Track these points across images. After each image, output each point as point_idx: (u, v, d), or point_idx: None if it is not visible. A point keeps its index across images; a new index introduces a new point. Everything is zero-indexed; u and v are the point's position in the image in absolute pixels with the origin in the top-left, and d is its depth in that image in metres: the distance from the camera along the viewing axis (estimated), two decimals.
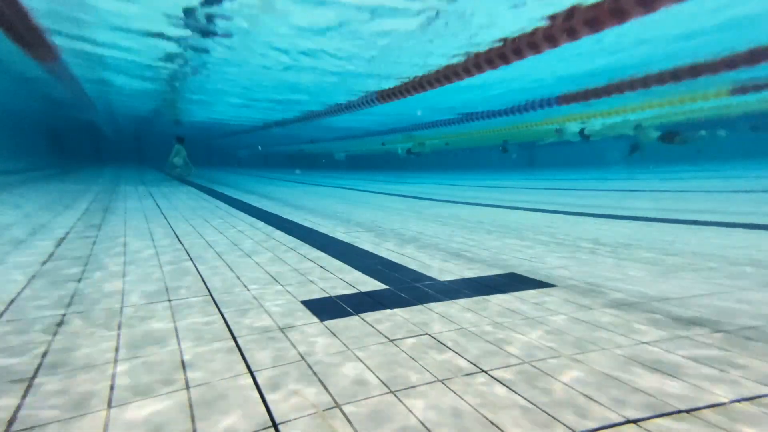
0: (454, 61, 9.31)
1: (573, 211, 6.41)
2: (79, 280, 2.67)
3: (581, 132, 18.28)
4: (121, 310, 2.14)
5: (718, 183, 11.51)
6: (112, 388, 1.41)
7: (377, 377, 1.48)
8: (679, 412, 1.27)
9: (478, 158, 35.33)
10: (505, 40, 7.94)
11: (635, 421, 1.23)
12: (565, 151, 31.26)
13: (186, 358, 1.63)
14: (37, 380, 1.45)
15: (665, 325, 1.94)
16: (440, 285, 2.59)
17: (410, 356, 1.64)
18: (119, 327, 1.93)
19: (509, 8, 6.89)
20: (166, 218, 5.46)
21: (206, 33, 8.20)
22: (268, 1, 6.84)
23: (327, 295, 2.40)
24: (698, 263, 3.10)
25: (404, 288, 2.53)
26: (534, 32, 7.26)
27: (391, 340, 1.79)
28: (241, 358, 1.63)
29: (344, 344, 1.75)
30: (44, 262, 3.12)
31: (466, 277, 2.78)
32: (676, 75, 9.91)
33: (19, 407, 1.29)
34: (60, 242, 3.86)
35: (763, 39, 8.64)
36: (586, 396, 1.35)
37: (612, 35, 8.09)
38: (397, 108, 14.31)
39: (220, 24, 7.76)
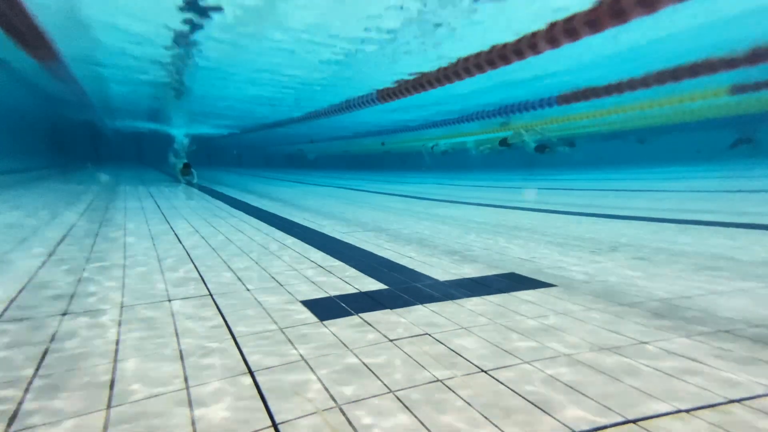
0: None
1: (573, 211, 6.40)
2: None
3: (432, 147, 23.83)
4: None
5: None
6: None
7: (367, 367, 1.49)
8: (678, 411, 1.28)
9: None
10: None
11: (635, 421, 1.23)
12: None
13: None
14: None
15: None
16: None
17: (409, 354, 1.65)
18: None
19: None
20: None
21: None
22: None
23: (327, 295, 2.40)
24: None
25: (404, 287, 2.53)
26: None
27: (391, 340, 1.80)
28: (242, 359, 1.65)
29: (344, 343, 1.76)
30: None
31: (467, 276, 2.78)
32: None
33: None
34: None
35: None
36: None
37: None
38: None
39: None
